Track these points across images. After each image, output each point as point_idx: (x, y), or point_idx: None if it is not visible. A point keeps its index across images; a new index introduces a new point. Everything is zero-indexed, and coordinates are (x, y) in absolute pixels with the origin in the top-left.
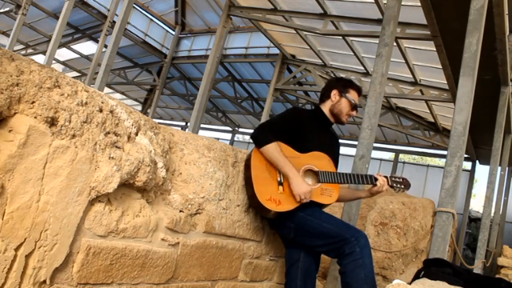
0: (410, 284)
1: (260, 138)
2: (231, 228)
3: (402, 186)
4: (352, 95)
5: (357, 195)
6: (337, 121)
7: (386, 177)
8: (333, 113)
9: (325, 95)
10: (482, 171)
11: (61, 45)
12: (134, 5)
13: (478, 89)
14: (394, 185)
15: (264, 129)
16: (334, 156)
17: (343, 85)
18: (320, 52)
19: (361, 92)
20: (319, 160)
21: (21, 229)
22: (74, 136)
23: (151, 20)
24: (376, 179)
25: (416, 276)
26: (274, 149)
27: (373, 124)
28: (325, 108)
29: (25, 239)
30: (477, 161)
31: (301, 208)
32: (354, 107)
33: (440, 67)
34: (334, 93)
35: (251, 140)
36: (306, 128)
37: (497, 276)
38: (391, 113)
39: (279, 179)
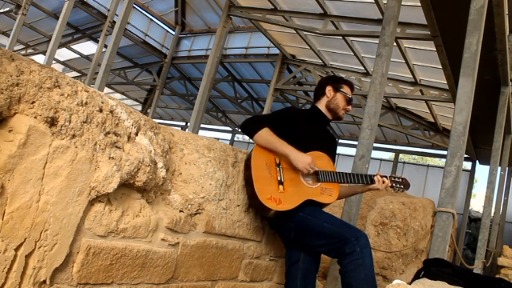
0: (410, 284)
1: (251, 126)
2: (231, 228)
3: (402, 186)
4: (346, 89)
5: (353, 191)
6: (334, 117)
7: (386, 177)
8: (330, 108)
9: (319, 93)
10: (482, 171)
11: (61, 45)
12: (134, 5)
13: (478, 89)
14: (394, 184)
15: (255, 118)
16: (332, 155)
17: (336, 81)
18: (320, 52)
19: (353, 87)
20: (318, 159)
21: (21, 229)
22: (74, 136)
23: (151, 20)
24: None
25: (416, 276)
26: (266, 133)
27: (373, 124)
28: (321, 105)
29: (25, 239)
30: (477, 161)
31: (301, 208)
32: (349, 101)
33: (440, 67)
34: (329, 90)
35: (251, 140)
36: (302, 127)
37: (497, 276)
38: (391, 113)
39: (279, 178)
